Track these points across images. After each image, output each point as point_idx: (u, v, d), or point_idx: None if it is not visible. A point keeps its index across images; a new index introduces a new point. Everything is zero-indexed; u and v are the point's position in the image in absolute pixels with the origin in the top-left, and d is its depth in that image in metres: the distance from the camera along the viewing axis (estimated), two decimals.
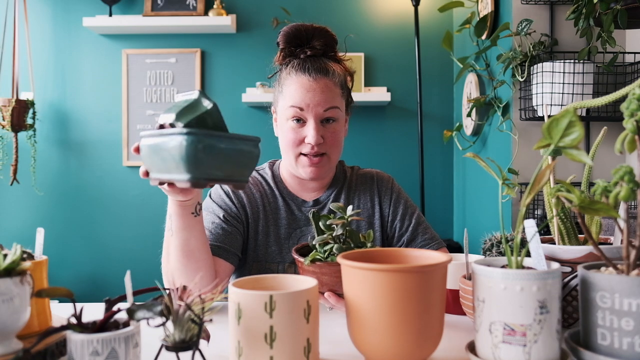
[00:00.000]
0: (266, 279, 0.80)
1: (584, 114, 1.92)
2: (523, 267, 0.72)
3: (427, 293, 0.70)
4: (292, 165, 1.23)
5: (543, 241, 0.97)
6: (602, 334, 0.66)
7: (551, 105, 1.82)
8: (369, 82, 3.00)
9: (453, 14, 2.97)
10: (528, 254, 0.83)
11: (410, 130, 3.00)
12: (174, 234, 1.04)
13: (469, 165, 2.76)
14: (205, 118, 0.78)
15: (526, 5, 2.05)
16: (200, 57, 3.01)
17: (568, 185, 0.70)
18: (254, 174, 1.31)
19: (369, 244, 0.95)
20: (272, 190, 1.29)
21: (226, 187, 1.26)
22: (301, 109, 1.17)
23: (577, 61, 1.82)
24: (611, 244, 0.96)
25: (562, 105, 1.82)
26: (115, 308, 0.67)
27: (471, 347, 0.74)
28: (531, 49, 1.93)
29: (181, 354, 0.66)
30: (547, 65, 1.82)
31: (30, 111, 2.84)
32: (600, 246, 0.81)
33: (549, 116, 0.92)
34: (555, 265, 0.72)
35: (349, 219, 0.94)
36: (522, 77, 1.96)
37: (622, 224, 0.68)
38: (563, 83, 1.81)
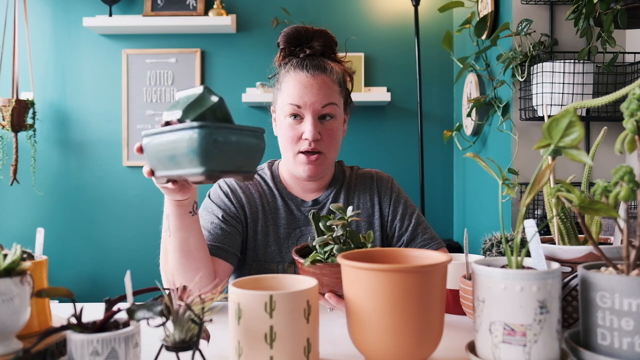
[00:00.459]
0: (266, 279, 0.80)
1: (584, 114, 1.92)
2: (523, 267, 0.72)
3: (427, 293, 0.70)
4: (290, 164, 1.23)
5: (543, 241, 0.97)
6: (602, 334, 0.66)
7: (551, 105, 1.82)
8: (369, 82, 3.00)
9: (453, 14, 2.97)
10: (528, 254, 0.83)
11: (410, 130, 3.00)
12: (171, 234, 1.04)
13: (469, 165, 2.76)
14: (215, 111, 0.79)
15: (526, 5, 2.05)
16: (200, 57, 3.01)
17: (568, 185, 0.70)
18: None
19: (369, 245, 0.95)
20: (271, 190, 1.29)
21: (225, 187, 1.27)
22: (299, 106, 1.18)
23: (577, 61, 1.82)
24: (611, 244, 0.96)
25: (562, 105, 1.82)
26: (115, 308, 0.67)
27: (471, 347, 0.74)
28: (531, 49, 1.93)
29: (181, 354, 0.66)
30: (547, 65, 1.82)
31: (30, 111, 2.84)
32: (600, 246, 0.81)
33: (549, 116, 0.92)
34: (555, 265, 0.72)
35: (349, 220, 0.94)
36: (522, 77, 1.96)
37: (622, 224, 0.68)
38: (563, 83, 1.81)
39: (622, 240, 0.68)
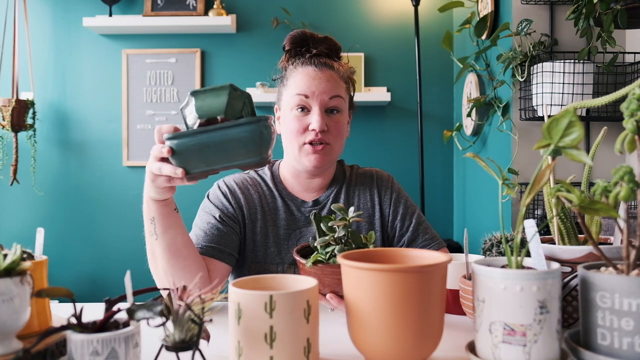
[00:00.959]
0: (266, 279, 0.80)
1: (584, 114, 1.92)
2: (523, 267, 0.72)
3: (427, 293, 0.70)
4: (295, 157, 1.22)
5: (543, 241, 0.97)
6: (602, 334, 0.66)
7: (551, 105, 1.82)
8: (369, 82, 3.00)
9: (453, 14, 2.97)
10: (528, 254, 0.83)
11: (410, 130, 3.00)
12: (158, 236, 1.04)
13: (469, 165, 2.76)
14: (251, 103, 0.91)
15: (526, 5, 2.05)
16: (200, 57, 3.01)
17: (568, 185, 0.70)
18: (253, 174, 1.31)
19: (371, 246, 0.95)
20: (270, 191, 1.29)
21: (224, 188, 1.27)
22: (306, 96, 1.18)
23: (577, 61, 1.82)
24: (611, 244, 0.96)
25: (562, 105, 1.82)
26: (115, 308, 0.67)
27: (471, 347, 0.74)
28: (531, 49, 1.93)
29: (181, 354, 0.66)
30: (547, 65, 1.82)
31: (30, 111, 2.84)
32: (600, 246, 0.81)
33: (549, 116, 0.92)
34: (555, 265, 0.72)
35: (351, 220, 0.94)
36: (522, 77, 1.96)
37: (622, 224, 0.68)
38: (563, 83, 1.81)
39: (622, 240, 0.68)
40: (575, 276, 0.85)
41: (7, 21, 2.91)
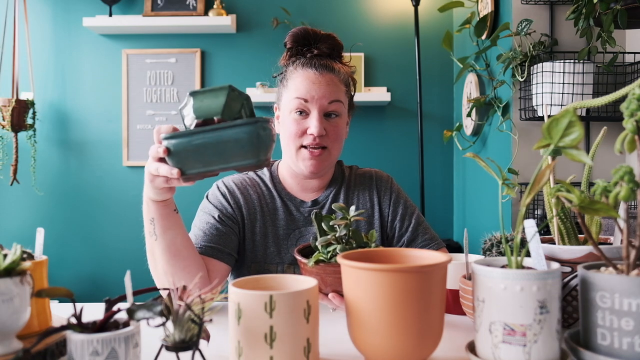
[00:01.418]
0: (266, 279, 0.80)
1: (584, 114, 1.92)
2: (523, 267, 0.72)
3: (427, 293, 0.70)
4: (292, 160, 1.23)
5: (543, 241, 0.97)
6: (602, 334, 0.66)
7: (551, 105, 1.82)
8: (369, 82, 3.00)
9: (453, 14, 2.97)
10: (528, 254, 0.83)
11: (410, 130, 3.00)
12: (158, 237, 1.04)
13: (469, 165, 2.76)
14: (250, 104, 0.90)
15: (526, 5, 2.05)
16: (200, 57, 3.01)
17: (568, 185, 0.70)
18: (252, 175, 1.31)
19: (372, 245, 0.95)
20: (269, 191, 1.29)
21: (223, 188, 1.27)
22: (306, 100, 1.18)
23: (577, 61, 1.82)
24: (611, 244, 0.96)
25: (562, 105, 1.82)
26: (115, 308, 0.67)
27: (471, 347, 0.74)
28: (531, 49, 1.93)
29: (181, 354, 0.66)
30: (547, 65, 1.82)
31: (30, 111, 2.84)
32: (600, 246, 0.81)
33: (549, 116, 0.92)
34: (555, 265, 0.72)
35: (352, 220, 0.93)
36: (522, 77, 1.96)
37: (622, 224, 0.68)
38: (563, 83, 1.81)
39: (622, 240, 0.68)
40: (575, 276, 0.85)
41: (7, 21, 2.91)
